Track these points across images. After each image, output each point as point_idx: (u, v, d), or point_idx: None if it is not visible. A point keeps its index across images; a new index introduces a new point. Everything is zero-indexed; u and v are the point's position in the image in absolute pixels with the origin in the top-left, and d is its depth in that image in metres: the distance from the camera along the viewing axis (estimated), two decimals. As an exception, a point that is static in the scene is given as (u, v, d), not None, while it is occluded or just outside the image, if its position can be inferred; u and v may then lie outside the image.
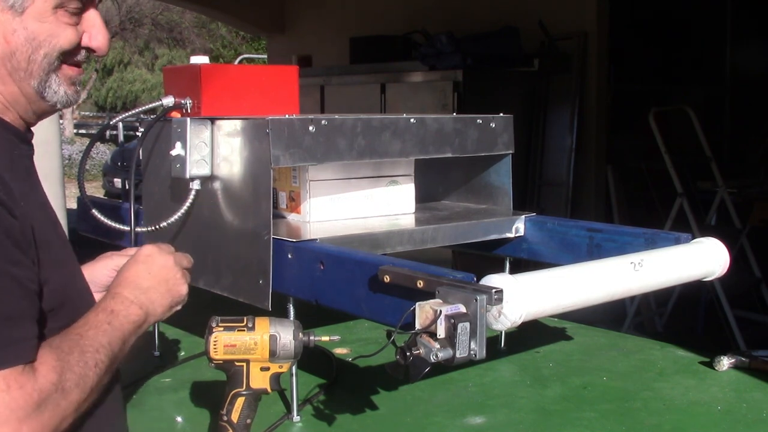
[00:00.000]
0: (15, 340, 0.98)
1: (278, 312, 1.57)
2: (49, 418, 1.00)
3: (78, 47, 1.18)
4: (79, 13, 1.17)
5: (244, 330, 1.38)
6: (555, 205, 5.49)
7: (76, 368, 1.05)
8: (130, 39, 24.34)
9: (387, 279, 1.35)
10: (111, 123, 2.05)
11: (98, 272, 1.38)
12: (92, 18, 1.20)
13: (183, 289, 1.33)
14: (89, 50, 1.21)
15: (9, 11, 1.10)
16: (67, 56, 1.17)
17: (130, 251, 1.42)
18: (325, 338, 1.45)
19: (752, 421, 1.67)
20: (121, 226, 1.76)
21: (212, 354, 1.38)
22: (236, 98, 1.84)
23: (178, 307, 1.34)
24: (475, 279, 1.29)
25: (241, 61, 14.58)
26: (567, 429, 1.65)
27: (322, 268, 1.54)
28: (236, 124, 1.72)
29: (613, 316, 4.76)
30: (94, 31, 1.19)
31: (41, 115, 1.23)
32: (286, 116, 1.68)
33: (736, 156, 6.54)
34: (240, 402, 1.40)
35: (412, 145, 1.86)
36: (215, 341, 1.38)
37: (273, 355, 1.38)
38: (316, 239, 1.68)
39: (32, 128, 1.23)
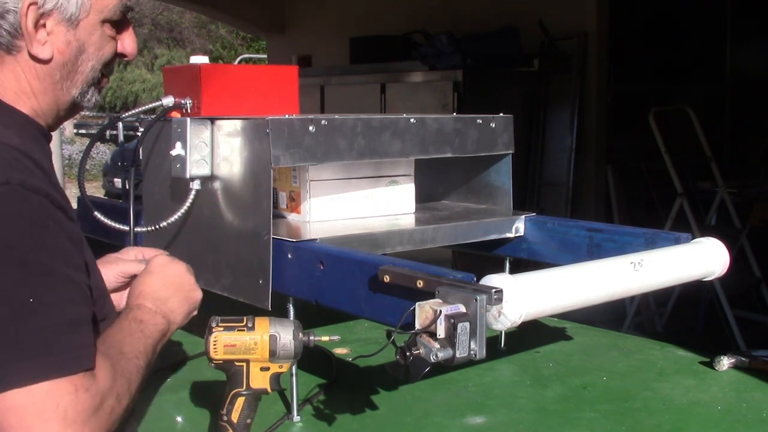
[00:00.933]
0: (81, 345, 1.02)
1: (278, 312, 1.57)
2: (105, 421, 1.03)
3: (115, 56, 1.25)
4: (118, 27, 1.23)
5: (244, 330, 1.38)
6: (555, 205, 5.48)
7: (125, 374, 1.10)
8: (130, 39, 24.30)
9: (387, 279, 1.35)
10: (111, 123, 2.05)
11: (105, 276, 1.39)
12: (126, 27, 1.26)
13: (198, 295, 1.38)
14: (121, 56, 1.27)
15: (65, 23, 1.14)
16: (107, 66, 1.23)
17: (130, 252, 1.47)
18: (325, 338, 1.45)
19: (752, 421, 1.67)
20: (121, 226, 1.76)
21: (212, 354, 1.38)
22: (236, 98, 1.84)
23: (195, 313, 1.38)
24: (475, 279, 1.29)
25: (240, 62, 14.58)
26: (567, 429, 1.65)
27: (322, 268, 1.54)
28: (236, 124, 1.72)
29: (613, 316, 4.76)
30: (126, 37, 1.26)
31: (64, 120, 1.28)
32: (286, 116, 1.68)
33: (736, 156, 6.53)
34: (240, 402, 1.41)
35: (412, 145, 1.86)
36: (215, 341, 1.38)
37: (273, 355, 1.38)
38: (316, 239, 1.68)
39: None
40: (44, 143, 1.21)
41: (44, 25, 1.13)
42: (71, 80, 1.18)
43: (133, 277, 1.44)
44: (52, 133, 1.26)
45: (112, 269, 1.43)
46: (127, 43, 1.26)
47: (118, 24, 1.22)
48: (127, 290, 1.44)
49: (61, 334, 1.00)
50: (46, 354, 0.98)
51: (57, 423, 0.97)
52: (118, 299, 1.46)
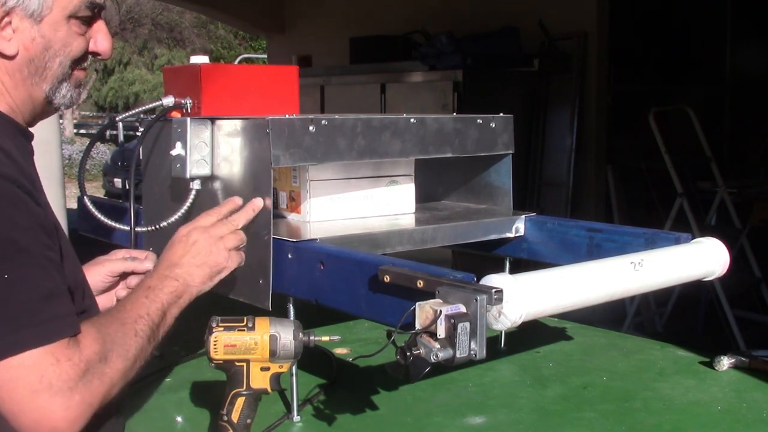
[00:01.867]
0: (59, 315, 1.06)
1: (278, 312, 1.57)
2: (96, 386, 1.07)
3: (86, 53, 1.26)
4: (88, 23, 1.24)
5: (244, 330, 1.38)
6: (555, 205, 5.49)
7: (117, 338, 1.14)
8: (130, 39, 24.34)
9: (387, 279, 1.35)
10: (111, 123, 2.05)
11: (91, 278, 1.43)
12: (98, 25, 1.28)
13: (220, 259, 1.43)
14: (94, 54, 1.29)
15: (28, 20, 1.16)
16: (77, 63, 1.25)
17: (118, 254, 1.52)
18: (325, 338, 1.46)
19: (752, 421, 1.67)
20: (122, 226, 1.76)
21: (212, 354, 1.38)
22: (236, 98, 1.84)
23: (221, 275, 1.44)
24: (475, 279, 1.29)
25: (240, 62, 14.58)
26: (567, 429, 1.65)
27: (322, 268, 1.54)
28: (236, 124, 1.72)
29: (613, 316, 4.76)
30: (100, 36, 1.27)
31: (42, 117, 1.29)
32: (286, 116, 1.68)
33: (736, 156, 6.54)
34: (240, 402, 1.41)
35: (412, 145, 1.86)
36: (215, 341, 1.38)
37: (273, 355, 1.38)
38: (316, 239, 1.68)
39: (31, 129, 1.29)
40: (23, 140, 1.23)
41: (9, 23, 1.15)
42: (40, 76, 1.20)
43: (122, 275, 1.47)
44: (32, 131, 1.28)
45: (98, 270, 1.46)
46: (100, 41, 1.27)
47: (87, 20, 1.24)
48: (115, 290, 1.48)
49: (37, 306, 1.03)
50: (24, 327, 1.02)
51: (43, 393, 1.01)
52: (106, 301, 1.48)
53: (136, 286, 1.31)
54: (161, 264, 1.37)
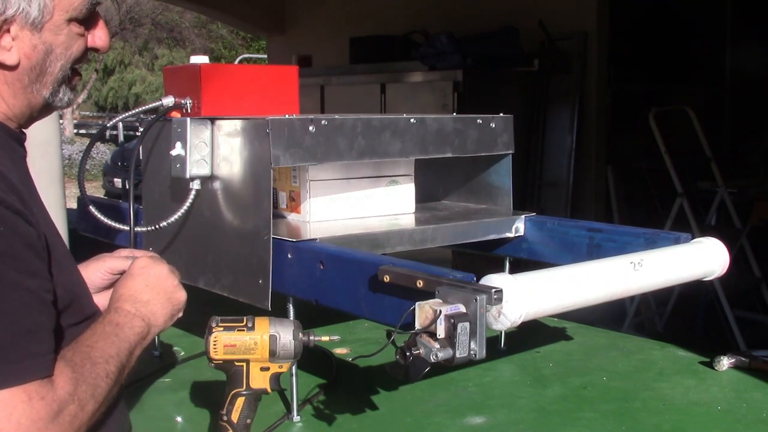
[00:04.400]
0: (35, 353, 1.00)
1: (278, 312, 1.57)
2: (67, 428, 1.02)
3: (85, 52, 1.23)
4: (86, 22, 1.21)
5: (244, 330, 1.38)
6: (555, 205, 5.49)
7: (89, 379, 1.08)
8: (130, 39, 24.33)
9: (387, 279, 1.35)
10: (111, 123, 2.05)
11: (92, 274, 1.39)
12: (94, 20, 1.24)
13: (181, 296, 1.34)
14: (94, 50, 1.25)
15: (28, 28, 1.13)
16: (77, 63, 1.22)
17: (122, 252, 1.45)
18: (325, 338, 1.45)
19: (752, 421, 1.67)
20: (121, 226, 1.76)
21: (212, 354, 1.38)
22: (236, 98, 1.84)
23: (180, 314, 1.35)
24: (475, 279, 1.29)
25: (241, 62, 14.58)
26: (567, 429, 1.65)
27: (322, 268, 1.54)
28: (236, 124, 1.72)
29: (613, 316, 4.76)
30: (97, 31, 1.24)
31: (38, 119, 1.26)
32: (286, 116, 1.68)
33: (736, 156, 6.53)
34: (240, 402, 1.41)
35: (412, 145, 1.86)
36: (215, 341, 1.38)
37: (273, 355, 1.38)
38: (316, 239, 1.68)
39: (25, 130, 1.26)
40: (14, 145, 1.19)
41: (8, 31, 1.11)
42: (41, 82, 1.17)
43: (123, 273, 1.42)
44: (26, 132, 1.24)
45: (99, 266, 1.40)
46: (98, 36, 1.24)
47: (87, 21, 1.20)
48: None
49: (12, 343, 0.98)
50: None
51: None
52: (103, 299, 1.44)
53: (102, 320, 1.22)
54: (124, 299, 1.27)
